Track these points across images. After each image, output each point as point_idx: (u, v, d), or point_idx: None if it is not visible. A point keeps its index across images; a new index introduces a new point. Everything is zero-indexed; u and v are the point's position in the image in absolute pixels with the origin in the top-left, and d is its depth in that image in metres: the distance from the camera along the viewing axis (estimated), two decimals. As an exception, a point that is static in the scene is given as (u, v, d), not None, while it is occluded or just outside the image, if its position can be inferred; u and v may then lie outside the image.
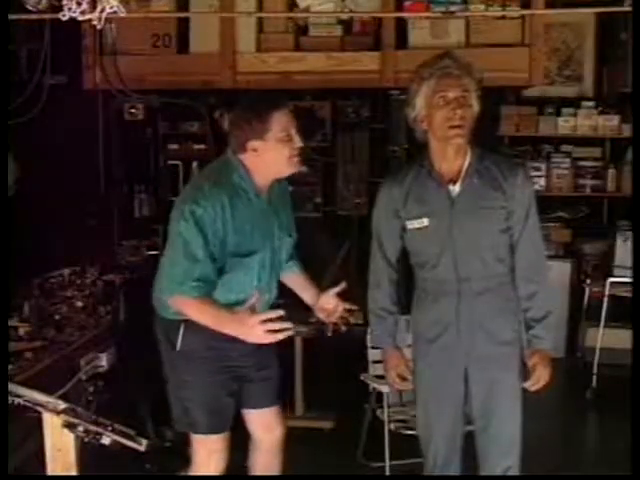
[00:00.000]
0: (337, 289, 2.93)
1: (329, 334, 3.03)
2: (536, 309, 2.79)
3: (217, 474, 2.90)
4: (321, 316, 2.99)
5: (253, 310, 2.64)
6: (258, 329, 2.56)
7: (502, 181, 2.74)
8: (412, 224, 2.80)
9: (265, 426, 3.03)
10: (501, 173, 2.76)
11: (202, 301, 2.69)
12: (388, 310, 2.94)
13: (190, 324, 2.76)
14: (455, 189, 2.75)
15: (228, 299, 2.79)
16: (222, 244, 2.70)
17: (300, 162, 2.80)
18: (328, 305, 2.95)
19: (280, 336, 2.56)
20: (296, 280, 3.08)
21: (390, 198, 2.85)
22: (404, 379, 2.96)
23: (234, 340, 2.81)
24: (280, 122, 2.72)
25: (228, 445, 2.91)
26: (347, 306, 2.95)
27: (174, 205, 2.78)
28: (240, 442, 3.02)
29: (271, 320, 2.56)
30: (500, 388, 2.81)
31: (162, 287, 2.78)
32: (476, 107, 2.73)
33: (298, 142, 2.76)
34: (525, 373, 2.82)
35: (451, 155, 2.76)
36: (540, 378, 2.78)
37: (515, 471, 2.88)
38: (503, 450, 2.86)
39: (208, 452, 2.87)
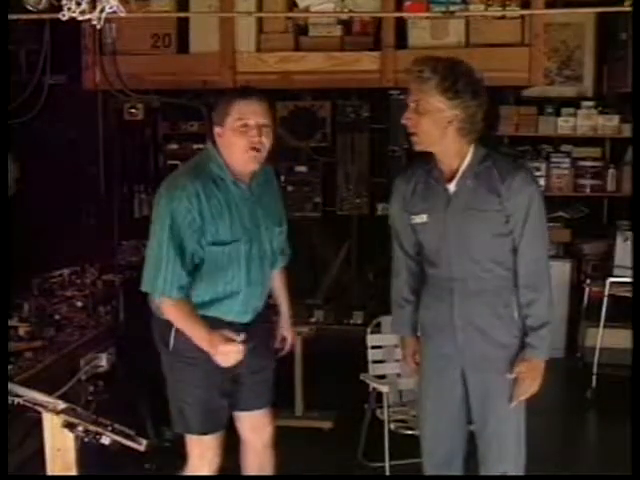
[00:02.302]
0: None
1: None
2: (533, 317, 2.72)
3: (211, 473, 2.90)
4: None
5: (228, 338, 2.69)
6: (230, 356, 2.68)
7: (499, 184, 2.68)
8: (414, 219, 2.82)
9: (253, 427, 3.03)
10: (499, 175, 2.69)
11: (182, 306, 2.72)
12: (406, 299, 2.96)
13: None
14: (452, 188, 2.75)
15: (216, 292, 2.80)
16: (200, 233, 2.70)
17: (256, 158, 2.74)
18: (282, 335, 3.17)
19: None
20: (275, 291, 3.14)
21: (399, 193, 2.89)
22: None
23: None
24: (239, 111, 2.69)
25: (222, 445, 2.92)
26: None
27: (154, 200, 2.78)
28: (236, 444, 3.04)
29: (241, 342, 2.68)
30: (495, 391, 2.78)
31: (145, 284, 2.76)
32: (444, 112, 2.62)
33: (254, 136, 2.70)
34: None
35: (442, 156, 2.75)
36: (525, 390, 2.74)
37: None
38: (498, 454, 2.83)
39: (201, 451, 2.88)
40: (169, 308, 2.73)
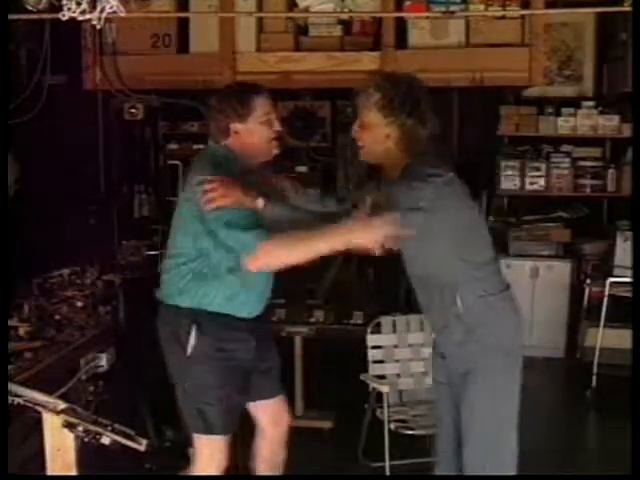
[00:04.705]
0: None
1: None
2: None
3: (218, 473, 2.90)
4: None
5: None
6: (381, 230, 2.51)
7: None
8: None
9: (273, 418, 3.07)
10: None
11: (282, 239, 2.68)
12: None
13: (200, 326, 2.78)
14: None
15: (239, 283, 2.82)
16: None
17: (278, 146, 2.92)
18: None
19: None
20: None
21: None
22: None
23: (240, 339, 2.85)
24: (261, 105, 2.85)
25: (230, 446, 2.92)
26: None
27: (184, 195, 2.83)
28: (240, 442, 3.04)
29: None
30: (465, 394, 2.71)
31: (243, 255, 2.67)
32: (381, 128, 2.68)
33: (277, 126, 2.89)
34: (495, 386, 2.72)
35: (383, 167, 2.80)
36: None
37: None
38: (467, 461, 2.76)
39: (211, 452, 2.88)
40: (276, 248, 2.66)
